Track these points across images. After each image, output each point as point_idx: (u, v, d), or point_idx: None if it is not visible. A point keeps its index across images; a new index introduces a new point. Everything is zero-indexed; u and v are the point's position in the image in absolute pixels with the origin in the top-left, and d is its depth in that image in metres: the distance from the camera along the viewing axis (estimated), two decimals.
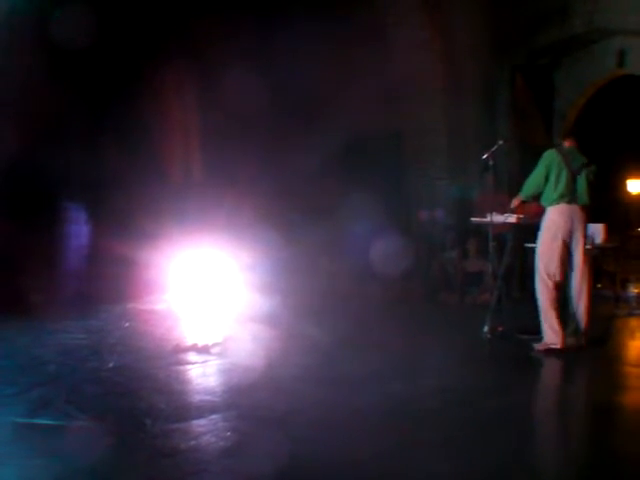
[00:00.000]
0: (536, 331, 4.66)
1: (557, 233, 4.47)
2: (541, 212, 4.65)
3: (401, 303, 7.25)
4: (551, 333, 4.44)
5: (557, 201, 4.46)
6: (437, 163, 8.67)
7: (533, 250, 5.90)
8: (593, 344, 4.62)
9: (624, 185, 14.68)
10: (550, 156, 4.56)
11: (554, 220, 4.48)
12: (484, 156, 5.26)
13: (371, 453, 2.59)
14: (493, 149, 5.20)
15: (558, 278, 4.48)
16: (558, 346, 4.43)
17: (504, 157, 7.42)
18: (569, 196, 4.46)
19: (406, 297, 7.45)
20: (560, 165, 4.49)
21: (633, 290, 6.80)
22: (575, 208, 4.47)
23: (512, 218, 5.08)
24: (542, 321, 4.50)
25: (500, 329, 4.95)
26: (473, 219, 5.72)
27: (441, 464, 2.50)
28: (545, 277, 4.51)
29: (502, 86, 8.65)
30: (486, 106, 8.61)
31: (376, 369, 4.00)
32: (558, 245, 4.46)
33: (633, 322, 6.01)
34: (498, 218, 5.15)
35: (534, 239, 5.43)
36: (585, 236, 4.55)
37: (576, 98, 8.73)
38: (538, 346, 4.48)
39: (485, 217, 5.30)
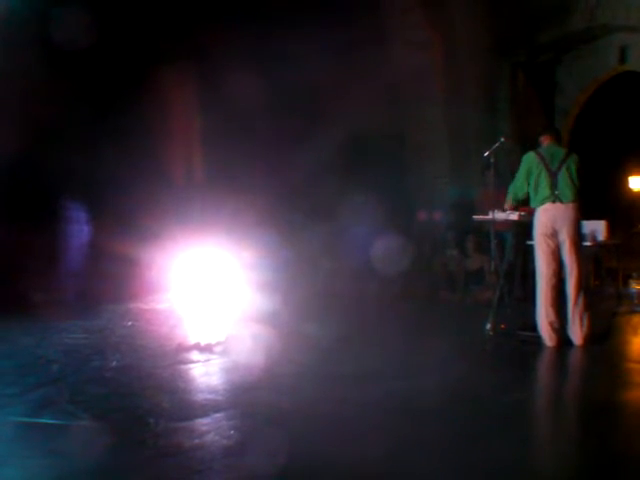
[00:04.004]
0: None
1: (542, 232, 4.55)
2: (532, 211, 4.73)
3: (402, 302, 7.25)
4: (543, 330, 4.52)
5: (541, 202, 4.56)
6: (438, 161, 8.66)
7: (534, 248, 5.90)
8: (595, 341, 4.62)
9: (626, 182, 14.66)
10: (528, 159, 4.65)
11: (539, 220, 4.58)
12: (485, 154, 5.25)
13: (373, 451, 2.59)
14: (494, 147, 5.20)
15: (551, 276, 4.53)
16: (547, 342, 4.50)
17: (505, 155, 7.42)
18: (552, 196, 4.52)
19: (407, 296, 7.44)
20: (539, 167, 4.57)
21: (635, 287, 6.78)
22: (559, 207, 4.51)
23: (514, 215, 5.08)
24: (537, 317, 4.56)
25: (502, 327, 4.94)
26: (475, 217, 5.72)
27: (442, 462, 2.50)
28: (541, 276, 4.57)
29: (503, 83, 8.64)
30: (487, 104, 8.59)
31: (377, 367, 4.00)
32: (546, 244, 4.54)
33: (635, 319, 6.00)
34: (500, 216, 5.15)
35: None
36: (576, 234, 4.55)
37: (578, 95, 8.71)
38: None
39: (487, 215, 5.29)
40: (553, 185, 4.51)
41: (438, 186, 8.61)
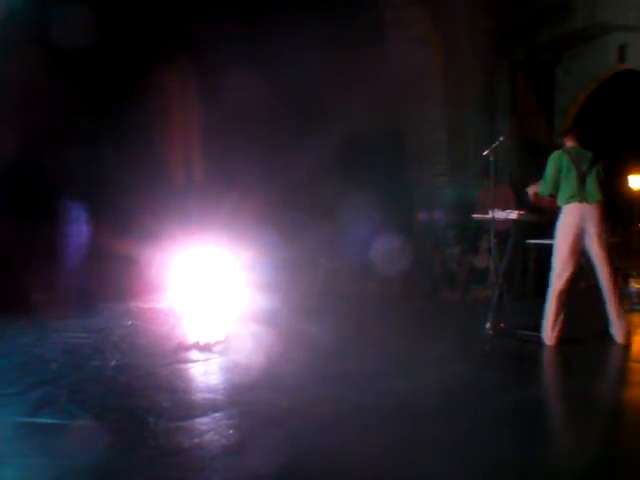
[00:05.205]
0: (538, 328, 4.70)
1: (568, 231, 4.60)
2: (554, 204, 4.77)
3: (402, 301, 7.25)
4: (547, 327, 4.58)
5: (568, 201, 4.62)
6: (438, 160, 8.65)
7: (535, 247, 5.92)
8: (595, 340, 4.64)
9: (626, 181, 14.68)
10: (558, 157, 4.70)
11: (566, 219, 4.63)
12: (485, 152, 5.25)
13: (372, 450, 2.59)
14: (494, 145, 5.19)
15: (567, 277, 4.58)
16: (547, 341, 4.56)
17: (505, 153, 7.42)
18: (579, 195, 4.59)
19: (407, 295, 7.44)
20: (569, 166, 4.64)
21: (635, 285, 6.78)
22: (586, 206, 4.59)
23: (513, 215, 5.08)
24: (544, 315, 4.61)
25: (502, 326, 4.94)
26: (475, 216, 5.72)
27: (442, 461, 2.50)
28: (556, 272, 4.62)
29: (503, 82, 8.64)
30: (487, 102, 8.59)
31: (377, 366, 4.00)
32: (569, 243, 4.58)
33: (635, 318, 6.00)
34: (500, 215, 5.15)
35: (535, 236, 5.47)
36: (603, 232, 4.62)
37: (577, 93, 8.72)
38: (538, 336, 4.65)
39: (486, 214, 5.29)
40: (581, 185, 4.60)
41: (438, 184, 8.61)
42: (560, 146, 4.87)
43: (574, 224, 4.57)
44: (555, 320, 4.55)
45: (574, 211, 4.59)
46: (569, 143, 4.82)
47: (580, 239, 4.58)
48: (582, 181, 4.59)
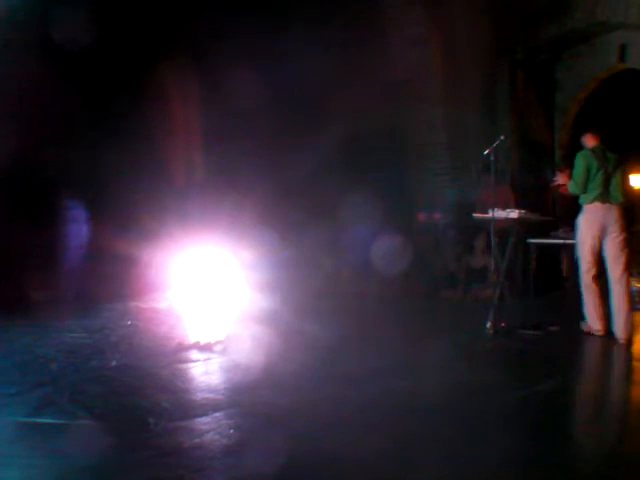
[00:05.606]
0: (539, 326, 4.72)
1: (589, 230, 4.69)
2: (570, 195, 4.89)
3: (403, 300, 7.24)
4: (591, 319, 4.72)
5: (591, 201, 4.69)
6: (438, 159, 8.65)
7: (536, 246, 5.91)
8: (597, 339, 4.63)
9: (627, 180, 14.66)
10: (586, 158, 4.76)
11: (588, 219, 4.71)
12: (485, 152, 5.25)
13: (373, 450, 2.58)
14: (494, 145, 5.19)
15: (593, 271, 4.70)
16: (599, 332, 4.68)
17: (505, 153, 7.42)
18: (602, 196, 4.66)
19: (407, 294, 7.44)
20: (597, 166, 4.70)
21: (636, 284, 6.77)
22: (609, 207, 4.67)
23: (514, 214, 5.08)
24: (584, 307, 4.76)
25: (503, 325, 4.94)
26: (475, 215, 5.72)
27: (443, 461, 2.50)
28: (583, 269, 4.74)
29: (502, 82, 8.62)
30: (487, 102, 8.58)
31: (378, 366, 4.00)
32: (591, 241, 4.68)
33: (637, 316, 5.99)
34: (500, 214, 5.15)
35: (536, 235, 5.48)
36: (625, 232, 4.69)
37: (577, 93, 8.70)
38: (584, 326, 4.81)
39: (487, 213, 5.29)
40: (606, 186, 4.66)
41: (438, 184, 8.61)
42: (588, 148, 4.89)
43: (596, 225, 4.65)
44: (602, 311, 4.65)
45: (596, 211, 4.66)
46: (592, 143, 4.83)
47: (601, 238, 4.66)
48: (607, 182, 4.66)
